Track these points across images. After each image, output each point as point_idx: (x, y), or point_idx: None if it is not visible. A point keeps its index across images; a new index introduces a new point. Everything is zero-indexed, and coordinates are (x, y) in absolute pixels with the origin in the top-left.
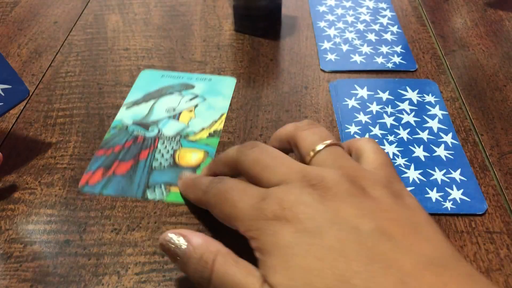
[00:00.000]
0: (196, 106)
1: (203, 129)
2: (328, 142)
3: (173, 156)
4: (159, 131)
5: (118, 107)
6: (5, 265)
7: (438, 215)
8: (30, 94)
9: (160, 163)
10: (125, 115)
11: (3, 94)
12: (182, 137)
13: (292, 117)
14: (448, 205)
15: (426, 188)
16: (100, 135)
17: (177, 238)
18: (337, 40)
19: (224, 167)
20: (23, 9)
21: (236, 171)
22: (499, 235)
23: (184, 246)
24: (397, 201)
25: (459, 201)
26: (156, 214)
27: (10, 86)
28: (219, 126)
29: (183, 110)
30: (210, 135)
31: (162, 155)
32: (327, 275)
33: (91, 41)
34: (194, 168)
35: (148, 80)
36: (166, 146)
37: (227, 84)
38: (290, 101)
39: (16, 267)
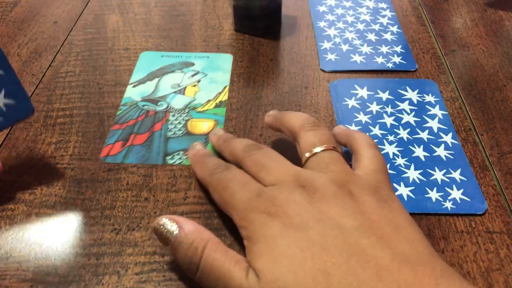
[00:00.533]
0: (199, 81)
1: (209, 101)
2: (325, 146)
3: (185, 125)
4: (168, 105)
5: (118, 107)
6: (5, 265)
7: (438, 215)
8: (30, 94)
9: (174, 133)
10: (133, 93)
11: (4, 109)
12: (190, 109)
13: None
14: (448, 205)
15: (426, 188)
16: (100, 135)
17: (171, 224)
18: (337, 40)
19: (230, 156)
20: (23, 9)
21: (238, 165)
22: (499, 235)
23: (176, 232)
24: (381, 205)
25: (459, 201)
26: (156, 214)
27: (14, 102)
28: (224, 97)
29: (187, 85)
30: (217, 105)
31: (175, 126)
32: (309, 264)
33: (91, 41)
34: (207, 135)
35: (148, 60)
36: (177, 118)
37: (225, 60)
38: (290, 101)
39: (16, 267)
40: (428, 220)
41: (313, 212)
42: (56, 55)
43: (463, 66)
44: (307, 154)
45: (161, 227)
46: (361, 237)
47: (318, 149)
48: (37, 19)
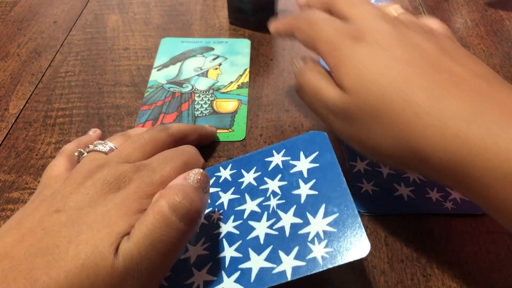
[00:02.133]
0: (220, 64)
1: (231, 82)
2: (404, 11)
3: (211, 105)
4: (192, 87)
5: (118, 107)
6: None
7: (438, 216)
8: (30, 93)
9: (201, 112)
10: (158, 76)
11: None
12: (214, 90)
13: (292, 117)
14: (449, 205)
15: (427, 188)
16: None
17: (300, 63)
18: None
19: (320, 5)
20: (22, 9)
21: (327, 9)
22: (500, 236)
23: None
24: (457, 44)
25: (459, 201)
26: None
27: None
28: (245, 79)
29: (209, 68)
30: (239, 86)
31: (201, 106)
32: (391, 75)
33: (91, 40)
34: (233, 114)
35: (170, 46)
36: (202, 98)
37: (243, 45)
38: (290, 101)
39: None
40: (429, 220)
41: (398, 36)
42: (55, 55)
43: None
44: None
45: (297, 62)
46: (440, 56)
47: (400, 11)
48: (37, 18)
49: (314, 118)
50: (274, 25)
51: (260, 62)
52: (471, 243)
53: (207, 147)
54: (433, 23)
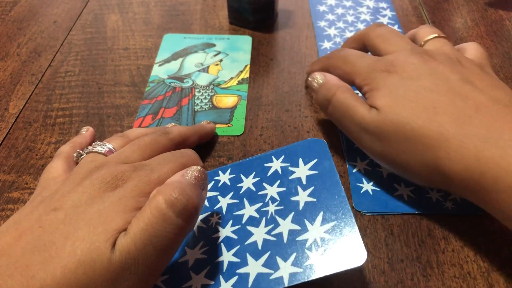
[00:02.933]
0: (221, 60)
1: (231, 78)
2: (436, 34)
3: (211, 100)
4: (193, 82)
5: (118, 107)
6: None
7: (438, 215)
8: (30, 93)
9: (201, 107)
10: (159, 71)
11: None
12: (215, 86)
13: (292, 117)
14: (449, 205)
15: (427, 188)
16: (100, 135)
17: (320, 76)
18: (338, 39)
19: (353, 42)
20: (22, 9)
21: (362, 44)
22: (500, 236)
23: (321, 81)
24: (483, 71)
25: (459, 201)
26: None
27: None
28: (245, 75)
29: (210, 64)
30: (239, 82)
31: (201, 101)
32: (421, 102)
33: (91, 40)
34: (232, 109)
35: (172, 42)
36: (202, 94)
37: (245, 41)
38: (290, 101)
39: None
40: (429, 220)
41: (426, 69)
42: (55, 54)
43: None
44: (422, 42)
45: (313, 78)
46: (464, 86)
47: (430, 36)
48: (37, 18)
49: (314, 118)
50: (309, 69)
51: (260, 62)
52: (471, 243)
53: (207, 146)
54: (470, 47)
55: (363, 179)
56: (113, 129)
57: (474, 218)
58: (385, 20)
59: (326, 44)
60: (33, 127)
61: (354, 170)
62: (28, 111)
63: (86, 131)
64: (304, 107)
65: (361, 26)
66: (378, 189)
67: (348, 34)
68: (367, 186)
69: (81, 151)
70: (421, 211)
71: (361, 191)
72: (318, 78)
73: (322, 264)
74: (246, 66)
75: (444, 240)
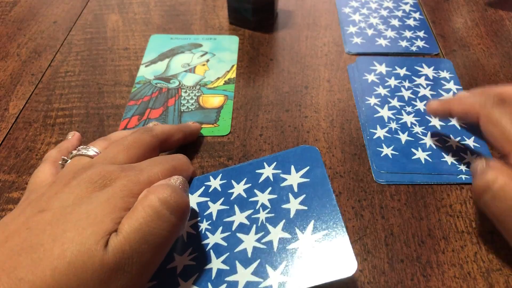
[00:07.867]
0: (207, 60)
1: (218, 78)
2: None
3: (197, 101)
4: (179, 83)
5: (118, 107)
6: None
7: (439, 214)
8: (30, 94)
9: (187, 107)
10: (146, 72)
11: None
12: (201, 86)
13: (292, 117)
14: (463, 168)
15: (442, 153)
16: (100, 135)
17: (482, 163)
18: (362, 25)
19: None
20: (22, 9)
21: (502, 100)
22: (500, 236)
23: (483, 165)
24: None
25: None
26: None
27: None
28: (232, 75)
29: (197, 64)
30: (226, 82)
31: (187, 101)
32: None
33: (91, 40)
34: (218, 109)
35: (159, 43)
36: (189, 94)
37: (231, 41)
38: (290, 101)
39: None
40: (429, 220)
41: None
42: (55, 55)
43: (463, 66)
44: None
45: (477, 162)
46: None
47: None
48: (37, 18)
49: (314, 118)
50: (441, 104)
51: (260, 62)
52: (472, 243)
53: (207, 146)
54: None
55: (383, 144)
56: (113, 129)
57: (475, 218)
58: (407, 7)
59: (352, 29)
60: (33, 127)
61: (375, 137)
62: (28, 111)
63: (72, 136)
64: (304, 107)
65: (384, 13)
66: (397, 153)
67: (372, 20)
68: (387, 151)
69: (65, 157)
70: (437, 172)
71: (381, 155)
72: (482, 162)
73: (312, 274)
74: (233, 66)
75: (444, 240)
